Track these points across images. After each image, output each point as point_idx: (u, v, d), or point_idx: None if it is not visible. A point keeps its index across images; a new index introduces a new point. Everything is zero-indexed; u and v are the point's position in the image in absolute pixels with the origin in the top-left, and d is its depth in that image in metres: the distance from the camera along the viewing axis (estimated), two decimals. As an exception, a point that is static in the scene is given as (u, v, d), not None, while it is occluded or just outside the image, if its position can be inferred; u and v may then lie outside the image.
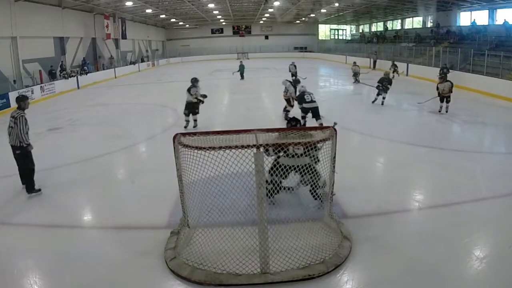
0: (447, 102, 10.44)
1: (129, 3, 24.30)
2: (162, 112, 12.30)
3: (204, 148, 3.56)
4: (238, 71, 20.45)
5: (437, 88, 10.60)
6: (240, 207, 4.38)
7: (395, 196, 5.25)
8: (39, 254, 4.06)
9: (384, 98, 12.21)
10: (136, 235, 4.42)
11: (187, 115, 9.31)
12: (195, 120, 9.38)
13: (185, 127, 9.20)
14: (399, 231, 4.33)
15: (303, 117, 8.92)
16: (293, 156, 3.83)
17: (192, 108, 9.24)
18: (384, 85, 12.18)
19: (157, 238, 4.17)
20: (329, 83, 19.31)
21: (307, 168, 4.24)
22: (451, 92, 10.34)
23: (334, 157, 4.07)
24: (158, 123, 10.72)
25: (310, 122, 8.91)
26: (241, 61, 21.32)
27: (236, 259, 3.59)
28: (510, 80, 13.03)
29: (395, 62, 20.12)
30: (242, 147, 3.47)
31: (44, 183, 6.21)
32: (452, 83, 10.38)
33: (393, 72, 19.30)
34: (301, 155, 4.20)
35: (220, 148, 3.47)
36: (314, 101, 8.79)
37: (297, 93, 9.51)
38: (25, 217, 4.93)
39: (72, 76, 19.81)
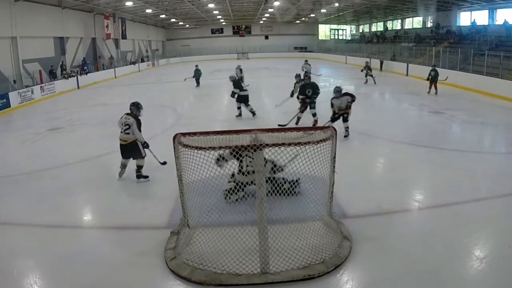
0: (345, 121, 7.91)
1: (129, 3, 24.29)
2: (162, 112, 12.28)
3: (204, 148, 3.56)
4: (193, 76, 17.78)
5: (332, 105, 8.01)
6: (240, 207, 4.39)
7: (395, 196, 5.25)
8: (39, 254, 4.06)
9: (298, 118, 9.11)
10: (136, 235, 4.42)
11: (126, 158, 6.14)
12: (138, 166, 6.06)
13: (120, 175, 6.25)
14: (399, 231, 4.33)
15: (239, 108, 10.53)
16: (250, 173, 3.80)
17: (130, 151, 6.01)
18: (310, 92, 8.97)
19: (157, 238, 4.17)
20: (329, 83, 19.28)
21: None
22: (350, 108, 7.91)
23: (334, 157, 4.07)
24: (158, 123, 10.70)
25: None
26: (196, 65, 18.38)
27: (236, 259, 3.58)
28: (510, 80, 13.02)
29: (368, 63, 18.34)
30: (242, 147, 3.47)
31: (44, 183, 6.22)
32: (352, 97, 7.89)
33: (366, 76, 17.54)
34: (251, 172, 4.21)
35: (220, 148, 3.47)
36: (247, 90, 10.52)
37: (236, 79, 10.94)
38: (25, 217, 4.93)
39: (72, 76, 19.82)
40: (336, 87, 8.05)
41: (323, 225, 4.25)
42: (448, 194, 5.19)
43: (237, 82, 10.66)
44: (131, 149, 5.96)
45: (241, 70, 16.06)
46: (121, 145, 6.02)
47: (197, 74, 17.79)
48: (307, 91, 8.96)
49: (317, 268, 3.53)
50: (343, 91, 8.04)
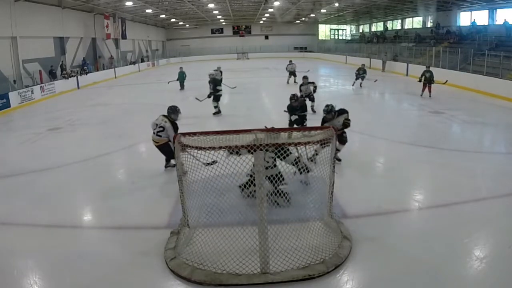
0: (343, 142, 6.38)
1: (129, 3, 24.28)
2: (162, 112, 12.27)
3: (204, 148, 3.56)
4: (177, 79, 17.00)
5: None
6: (240, 207, 4.39)
7: (395, 196, 5.24)
8: (39, 254, 4.06)
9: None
10: (136, 235, 4.42)
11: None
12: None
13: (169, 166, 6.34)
14: (399, 231, 4.33)
15: (216, 107, 11.09)
16: (266, 168, 3.80)
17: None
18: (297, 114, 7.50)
19: (157, 238, 4.17)
20: (329, 83, 19.29)
21: (277, 177, 4.32)
22: (347, 126, 6.28)
23: (334, 157, 4.07)
24: (158, 123, 10.74)
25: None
26: (180, 68, 17.61)
27: (236, 259, 3.58)
28: (510, 80, 13.02)
29: (364, 66, 16.75)
30: (242, 147, 3.47)
31: (44, 183, 6.22)
32: (346, 113, 6.29)
33: (357, 79, 16.06)
34: (273, 167, 4.14)
35: (220, 148, 3.47)
36: (222, 89, 11.23)
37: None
38: (25, 217, 4.93)
39: (72, 76, 19.82)
40: (327, 106, 6.22)
41: (323, 225, 4.25)
42: (448, 194, 5.19)
43: (219, 81, 11.21)
44: (164, 149, 5.98)
45: (221, 72, 15.70)
46: (155, 145, 6.07)
47: (181, 77, 17.13)
48: (296, 113, 7.54)
49: (317, 268, 3.53)
50: (336, 108, 6.31)
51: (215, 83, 11.00)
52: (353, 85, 16.56)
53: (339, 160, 6.41)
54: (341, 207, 4.80)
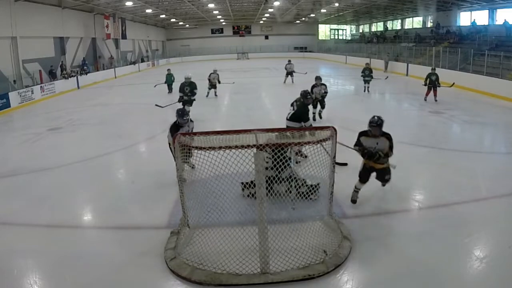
0: (384, 179, 5.00)
1: (129, 3, 24.29)
2: (162, 112, 12.28)
3: (204, 148, 3.56)
4: (164, 82, 15.86)
5: (359, 144, 4.89)
6: (240, 207, 4.38)
7: (395, 196, 5.25)
8: (39, 254, 4.06)
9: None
10: (136, 235, 4.43)
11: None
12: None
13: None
14: (399, 231, 4.33)
15: (189, 111, 10.62)
16: (268, 169, 3.73)
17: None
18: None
19: (157, 238, 4.17)
20: (329, 83, 19.23)
21: (274, 179, 3.98)
22: (389, 155, 4.94)
23: (334, 157, 4.07)
24: (158, 123, 10.71)
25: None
26: (168, 70, 16.65)
27: (236, 259, 3.59)
28: (510, 80, 13.03)
29: (369, 65, 15.92)
30: (242, 147, 3.47)
31: (44, 183, 6.22)
32: (389, 139, 4.90)
33: (366, 82, 14.77)
34: (272, 167, 3.93)
35: (220, 148, 3.47)
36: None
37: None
38: (25, 217, 4.93)
39: (72, 76, 19.81)
40: (377, 118, 4.78)
41: (323, 225, 4.25)
42: (448, 194, 5.19)
43: (196, 85, 10.71)
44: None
45: (217, 75, 14.88)
46: None
47: (169, 80, 15.93)
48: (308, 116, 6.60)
49: (317, 268, 3.53)
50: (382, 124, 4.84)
51: (192, 87, 10.55)
52: (364, 90, 15.03)
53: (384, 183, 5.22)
54: (341, 207, 4.80)
